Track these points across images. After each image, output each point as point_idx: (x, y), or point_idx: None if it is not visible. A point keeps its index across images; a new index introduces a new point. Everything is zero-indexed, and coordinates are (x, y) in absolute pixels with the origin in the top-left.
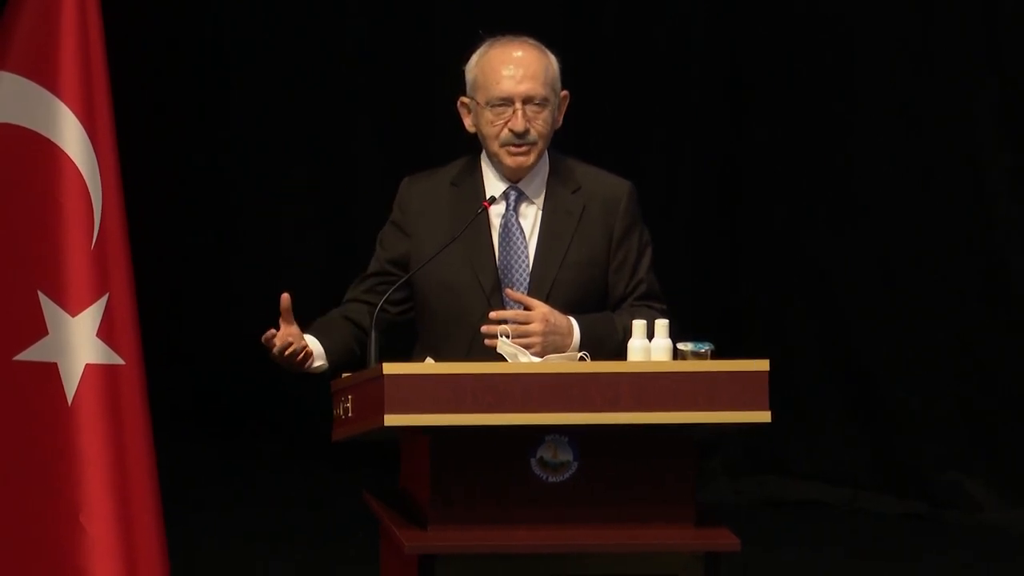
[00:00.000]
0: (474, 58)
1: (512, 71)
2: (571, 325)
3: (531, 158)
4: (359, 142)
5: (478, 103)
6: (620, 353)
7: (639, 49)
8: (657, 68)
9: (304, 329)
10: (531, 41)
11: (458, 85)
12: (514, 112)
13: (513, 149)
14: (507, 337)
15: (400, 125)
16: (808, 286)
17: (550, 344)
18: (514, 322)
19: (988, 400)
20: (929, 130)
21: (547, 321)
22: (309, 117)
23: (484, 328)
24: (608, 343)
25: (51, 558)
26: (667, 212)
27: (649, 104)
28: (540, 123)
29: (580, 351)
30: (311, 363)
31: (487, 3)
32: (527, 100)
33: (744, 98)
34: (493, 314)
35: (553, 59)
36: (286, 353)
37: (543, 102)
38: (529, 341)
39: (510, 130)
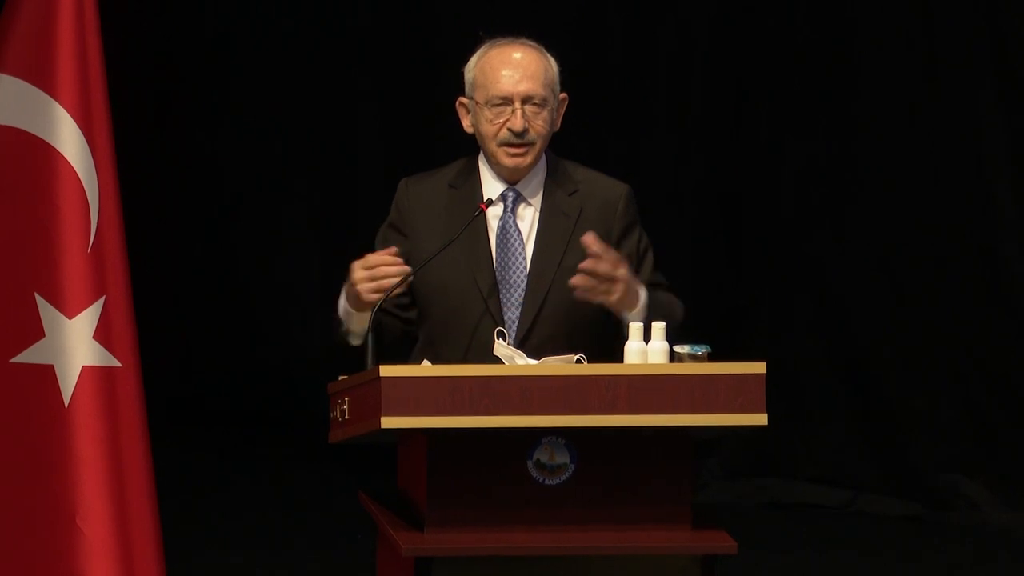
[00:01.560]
0: (473, 59)
1: (511, 71)
2: (639, 290)
3: (528, 159)
4: (360, 144)
5: (477, 103)
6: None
7: (643, 50)
8: (661, 68)
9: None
10: (530, 43)
11: (459, 85)
12: (513, 112)
13: (511, 149)
14: (504, 340)
15: (401, 127)
16: (809, 287)
17: (625, 295)
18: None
19: (988, 402)
20: (932, 131)
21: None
22: (309, 119)
23: (574, 280)
24: (675, 313)
25: (48, 561)
26: (670, 212)
27: (652, 104)
28: (539, 123)
29: (647, 317)
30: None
31: (490, 3)
32: (526, 100)
33: (747, 98)
34: (587, 263)
35: (552, 61)
36: (386, 281)
37: (542, 102)
38: (614, 287)
39: (508, 129)
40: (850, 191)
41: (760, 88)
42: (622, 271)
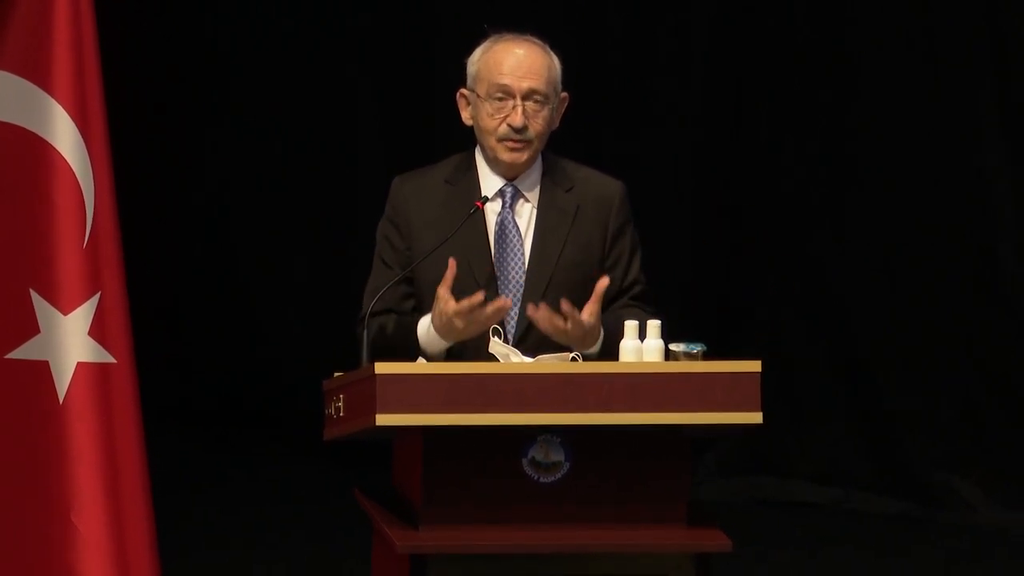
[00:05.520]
0: (477, 52)
1: (515, 66)
2: (600, 335)
3: (526, 155)
4: (360, 144)
5: (478, 95)
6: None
7: (643, 50)
8: (661, 68)
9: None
10: (535, 40)
11: (460, 84)
12: (514, 107)
13: (510, 144)
14: (499, 338)
15: (401, 127)
16: (809, 287)
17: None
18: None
19: (982, 401)
20: (932, 131)
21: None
22: (309, 119)
23: (529, 312)
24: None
25: (42, 556)
26: (670, 212)
27: (652, 104)
28: (539, 121)
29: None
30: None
31: (490, 3)
32: (528, 96)
33: (747, 98)
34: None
35: (556, 60)
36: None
37: (543, 100)
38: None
39: (508, 124)
40: (850, 191)
41: (760, 88)
42: (574, 330)
